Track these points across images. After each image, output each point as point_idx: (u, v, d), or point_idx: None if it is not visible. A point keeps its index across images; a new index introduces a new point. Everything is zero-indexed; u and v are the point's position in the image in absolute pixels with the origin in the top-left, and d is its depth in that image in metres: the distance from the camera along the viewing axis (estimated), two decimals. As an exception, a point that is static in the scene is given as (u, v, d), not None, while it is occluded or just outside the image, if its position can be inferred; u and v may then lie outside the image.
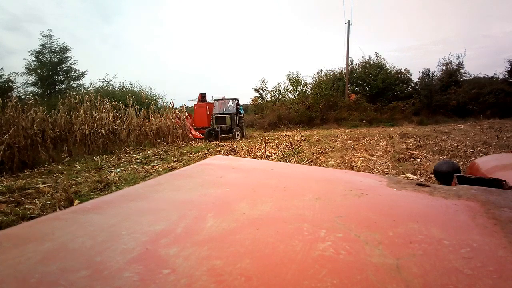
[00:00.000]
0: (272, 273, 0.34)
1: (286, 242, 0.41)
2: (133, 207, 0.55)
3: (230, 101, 14.17)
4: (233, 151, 8.73)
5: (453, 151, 6.38)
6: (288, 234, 0.43)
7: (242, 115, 14.40)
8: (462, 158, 5.59)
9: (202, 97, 15.63)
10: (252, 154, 7.83)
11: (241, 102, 15.34)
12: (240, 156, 6.97)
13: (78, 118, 9.64)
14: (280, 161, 6.48)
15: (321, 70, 23.84)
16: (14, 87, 19.26)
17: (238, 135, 13.03)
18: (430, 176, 4.42)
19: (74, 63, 21.97)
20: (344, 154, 7.37)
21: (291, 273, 0.34)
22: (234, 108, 13.86)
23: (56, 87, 21.42)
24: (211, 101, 15.44)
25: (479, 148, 6.64)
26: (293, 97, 23.29)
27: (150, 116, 12.57)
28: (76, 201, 4.06)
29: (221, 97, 14.39)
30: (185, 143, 11.71)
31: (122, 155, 9.02)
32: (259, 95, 25.56)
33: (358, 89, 22.27)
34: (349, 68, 21.67)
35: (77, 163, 7.72)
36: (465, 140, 7.99)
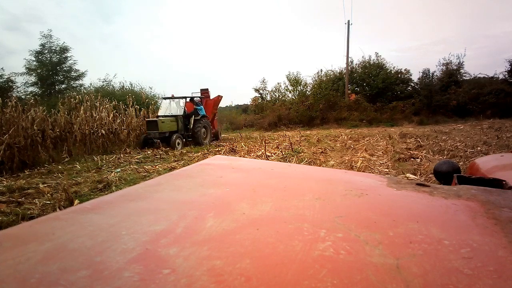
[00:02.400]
0: (272, 273, 0.34)
1: (286, 242, 0.41)
2: (133, 207, 0.55)
3: (179, 100, 11.36)
4: (233, 151, 8.73)
5: (453, 151, 6.38)
6: (288, 234, 0.43)
7: (200, 116, 11.20)
8: (462, 158, 5.59)
9: (204, 93, 13.33)
10: (252, 154, 7.83)
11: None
12: (240, 156, 6.97)
13: (78, 118, 9.64)
14: (280, 161, 6.48)
15: (321, 70, 23.82)
16: (14, 87, 19.22)
17: (178, 144, 10.00)
18: (430, 176, 4.42)
19: (74, 63, 21.93)
20: (344, 154, 7.37)
21: (291, 273, 0.34)
22: (181, 109, 11.03)
23: (56, 87, 21.40)
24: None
25: (479, 148, 6.64)
26: (293, 97, 23.26)
27: (150, 116, 12.57)
28: (76, 201, 4.06)
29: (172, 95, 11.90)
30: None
31: (122, 155, 9.01)
32: (259, 95, 25.54)
33: (358, 89, 22.24)
34: (349, 68, 21.65)
35: (77, 163, 7.72)
36: (465, 140, 7.98)
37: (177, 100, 11.47)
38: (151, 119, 10.71)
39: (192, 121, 11.01)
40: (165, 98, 11.75)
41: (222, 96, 13.51)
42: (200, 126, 11.06)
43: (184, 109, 11.01)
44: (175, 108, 11.29)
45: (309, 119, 19.69)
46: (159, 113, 11.17)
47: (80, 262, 0.36)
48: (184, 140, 10.68)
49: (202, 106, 11.55)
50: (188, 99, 11.38)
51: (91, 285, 0.32)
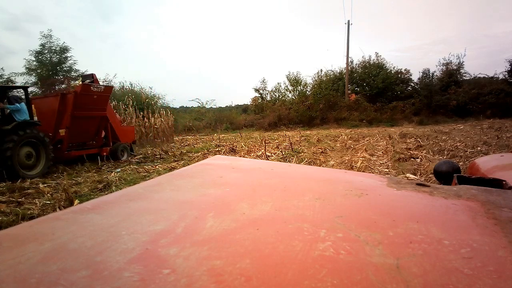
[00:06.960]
0: (272, 273, 0.34)
1: (286, 242, 0.41)
2: (133, 207, 0.55)
3: None
4: (233, 151, 8.73)
5: (453, 151, 6.38)
6: (288, 234, 0.43)
7: (13, 125, 5.98)
8: (462, 158, 5.59)
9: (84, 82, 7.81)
10: (252, 154, 7.83)
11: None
12: (240, 156, 6.97)
13: (78, 118, 9.61)
14: (280, 161, 6.48)
15: (321, 70, 23.86)
16: (14, 87, 19.24)
17: None
18: (430, 176, 4.42)
19: (74, 63, 21.96)
20: (344, 154, 7.37)
21: (291, 273, 0.34)
22: None
23: (56, 87, 21.41)
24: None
25: (479, 148, 6.64)
26: (293, 97, 23.31)
27: (150, 116, 12.58)
28: (76, 201, 4.06)
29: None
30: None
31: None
32: (259, 95, 25.56)
33: (358, 89, 22.26)
34: (349, 68, 21.66)
35: (77, 163, 7.72)
36: (465, 140, 7.98)
37: None
38: None
39: None
40: None
41: (112, 87, 9.00)
42: (12, 146, 5.75)
43: None
44: None
45: (309, 119, 19.70)
46: None
47: (80, 262, 0.36)
48: None
49: (22, 105, 6.48)
50: None
51: (91, 285, 0.32)
